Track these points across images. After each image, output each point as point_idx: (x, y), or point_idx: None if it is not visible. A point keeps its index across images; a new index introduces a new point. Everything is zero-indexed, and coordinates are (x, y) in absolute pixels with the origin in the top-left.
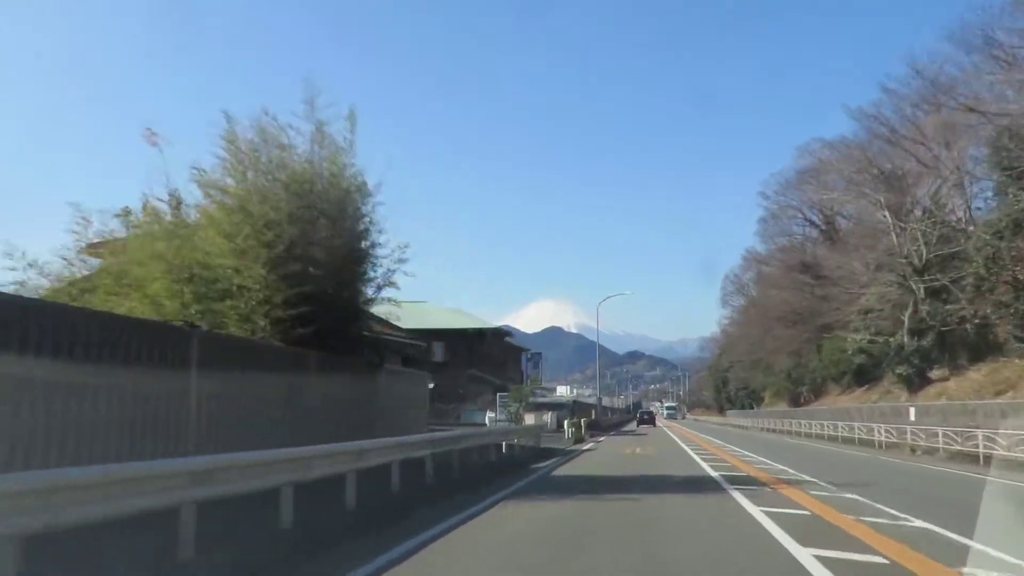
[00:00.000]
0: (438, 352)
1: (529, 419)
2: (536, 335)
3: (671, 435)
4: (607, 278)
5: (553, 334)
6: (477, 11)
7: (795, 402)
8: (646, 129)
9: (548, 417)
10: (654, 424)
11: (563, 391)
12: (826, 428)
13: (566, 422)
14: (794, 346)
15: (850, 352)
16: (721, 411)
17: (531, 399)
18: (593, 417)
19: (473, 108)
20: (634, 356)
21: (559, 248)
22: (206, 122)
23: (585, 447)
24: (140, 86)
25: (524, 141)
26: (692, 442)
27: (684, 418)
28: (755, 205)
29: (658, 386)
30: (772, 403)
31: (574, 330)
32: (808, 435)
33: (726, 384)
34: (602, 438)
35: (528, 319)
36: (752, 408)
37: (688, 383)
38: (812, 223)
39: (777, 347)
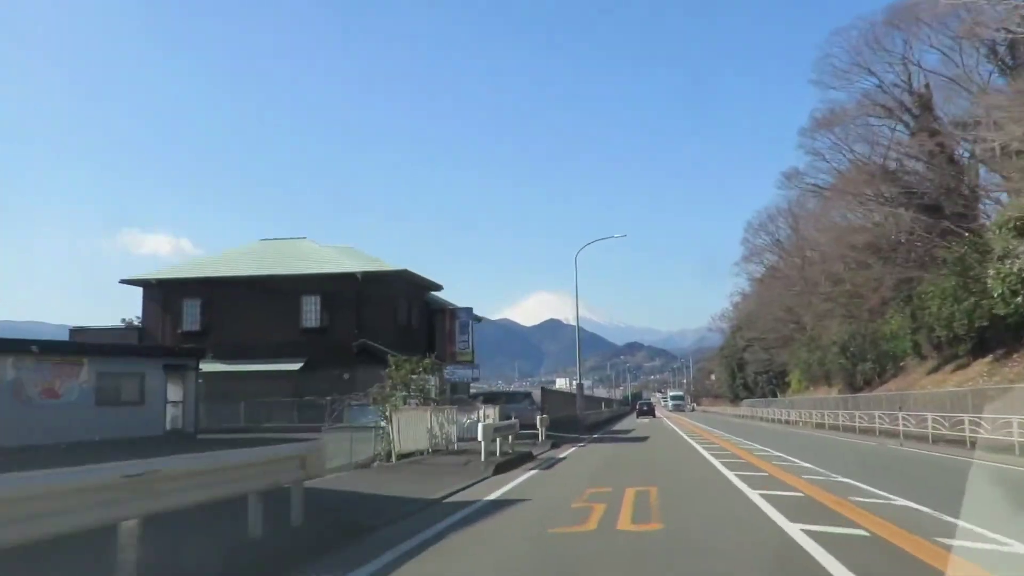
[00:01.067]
0: (310, 312)
1: (412, 421)
2: (536, 328)
3: (690, 441)
4: (606, 269)
5: (553, 327)
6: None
7: (852, 385)
8: (646, 119)
9: (481, 414)
10: (654, 415)
11: (562, 383)
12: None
13: (480, 427)
14: (869, 302)
15: (997, 293)
16: (734, 400)
17: (435, 382)
18: (577, 413)
19: (472, 99)
20: (633, 347)
21: (557, 239)
22: None
23: (501, 489)
24: None
25: (521, 131)
26: (741, 463)
27: (692, 410)
28: (805, 92)
29: (658, 376)
30: (801, 389)
31: (574, 322)
32: (916, 437)
33: (742, 368)
34: (571, 449)
35: (527, 311)
36: (775, 395)
37: (691, 371)
38: (896, 112)
39: (826, 311)
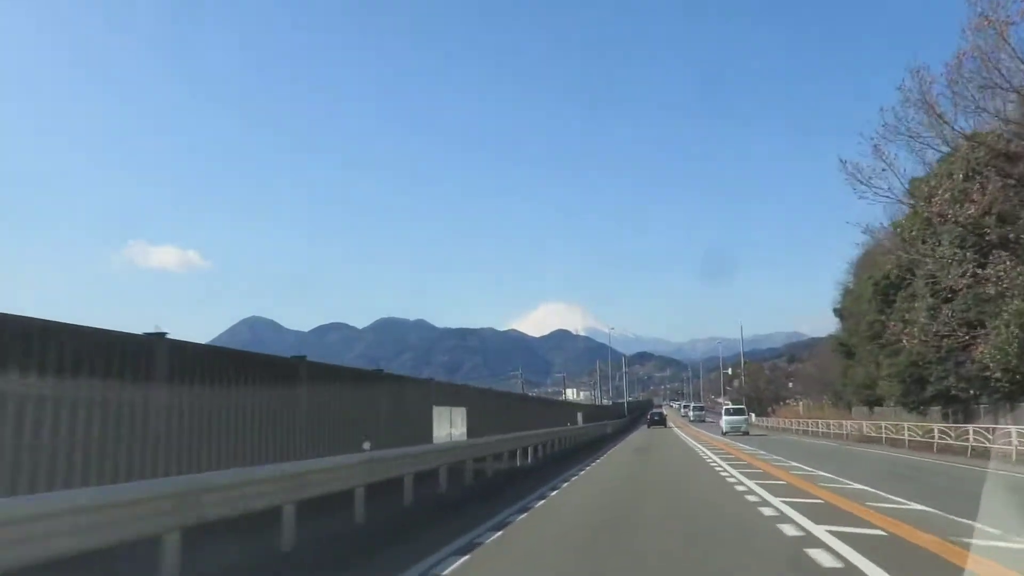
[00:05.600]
0: None
1: None
2: (544, 338)
3: None
4: (614, 280)
5: (561, 337)
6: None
7: None
8: (654, 126)
9: None
10: (664, 425)
11: (570, 394)
12: None
13: None
14: None
15: None
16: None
17: None
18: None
19: (480, 104)
20: (643, 357)
21: (566, 250)
22: None
23: None
24: None
25: (526, 141)
26: None
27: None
28: None
29: (669, 387)
30: None
31: (583, 333)
32: None
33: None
34: None
35: (536, 322)
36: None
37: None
38: None
39: None
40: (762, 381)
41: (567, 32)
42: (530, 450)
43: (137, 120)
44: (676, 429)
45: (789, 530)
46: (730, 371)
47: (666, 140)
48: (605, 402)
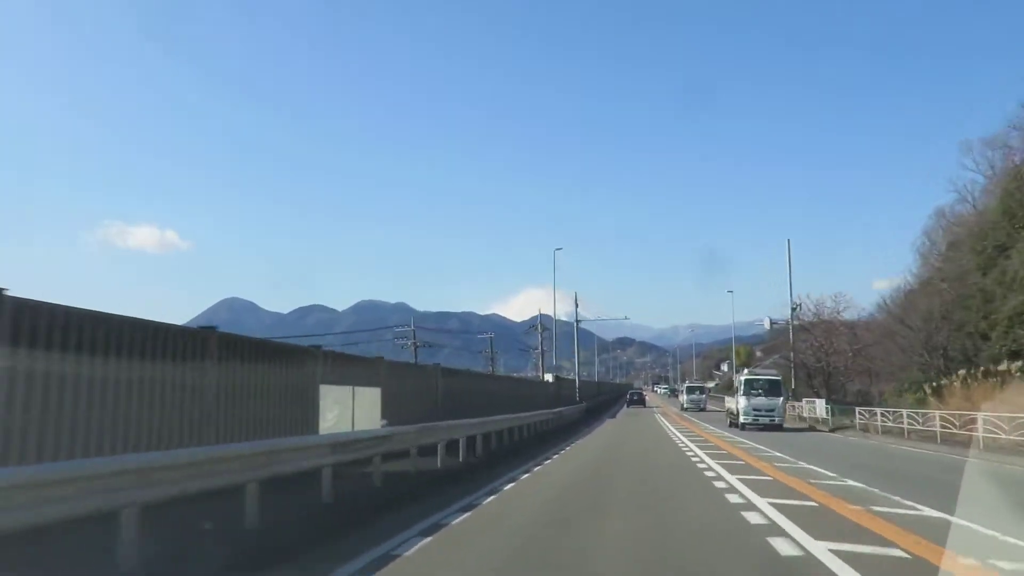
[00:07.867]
0: None
1: None
2: (527, 323)
3: None
4: (597, 265)
5: (544, 322)
6: None
7: None
8: (636, 113)
9: None
10: (644, 405)
11: (549, 379)
12: None
13: None
14: None
15: None
16: None
17: None
18: None
19: (459, 93)
20: (624, 343)
21: (548, 236)
22: None
23: None
24: None
25: (507, 125)
26: None
27: None
28: None
29: (650, 372)
30: None
31: (564, 318)
32: None
33: None
34: None
35: (519, 308)
36: None
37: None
38: None
39: None
40: (839, 341)
41: (545, 19)
42: None
43: (109, 91)
44: (676, 437)
45: None
46: (766, 323)
47: (650, 133)
48: (547, 378)
